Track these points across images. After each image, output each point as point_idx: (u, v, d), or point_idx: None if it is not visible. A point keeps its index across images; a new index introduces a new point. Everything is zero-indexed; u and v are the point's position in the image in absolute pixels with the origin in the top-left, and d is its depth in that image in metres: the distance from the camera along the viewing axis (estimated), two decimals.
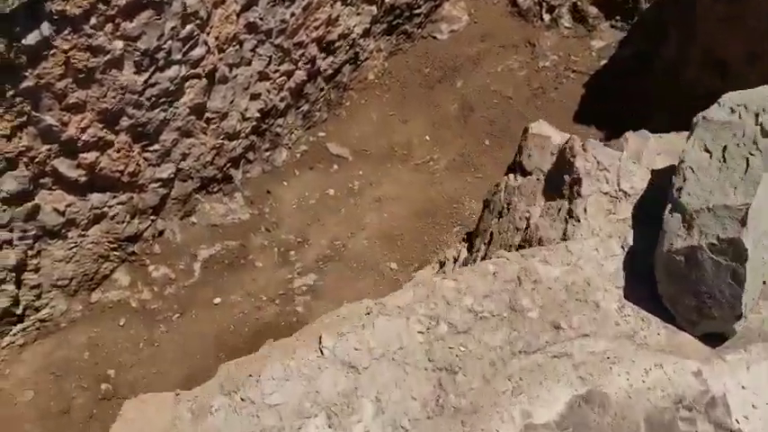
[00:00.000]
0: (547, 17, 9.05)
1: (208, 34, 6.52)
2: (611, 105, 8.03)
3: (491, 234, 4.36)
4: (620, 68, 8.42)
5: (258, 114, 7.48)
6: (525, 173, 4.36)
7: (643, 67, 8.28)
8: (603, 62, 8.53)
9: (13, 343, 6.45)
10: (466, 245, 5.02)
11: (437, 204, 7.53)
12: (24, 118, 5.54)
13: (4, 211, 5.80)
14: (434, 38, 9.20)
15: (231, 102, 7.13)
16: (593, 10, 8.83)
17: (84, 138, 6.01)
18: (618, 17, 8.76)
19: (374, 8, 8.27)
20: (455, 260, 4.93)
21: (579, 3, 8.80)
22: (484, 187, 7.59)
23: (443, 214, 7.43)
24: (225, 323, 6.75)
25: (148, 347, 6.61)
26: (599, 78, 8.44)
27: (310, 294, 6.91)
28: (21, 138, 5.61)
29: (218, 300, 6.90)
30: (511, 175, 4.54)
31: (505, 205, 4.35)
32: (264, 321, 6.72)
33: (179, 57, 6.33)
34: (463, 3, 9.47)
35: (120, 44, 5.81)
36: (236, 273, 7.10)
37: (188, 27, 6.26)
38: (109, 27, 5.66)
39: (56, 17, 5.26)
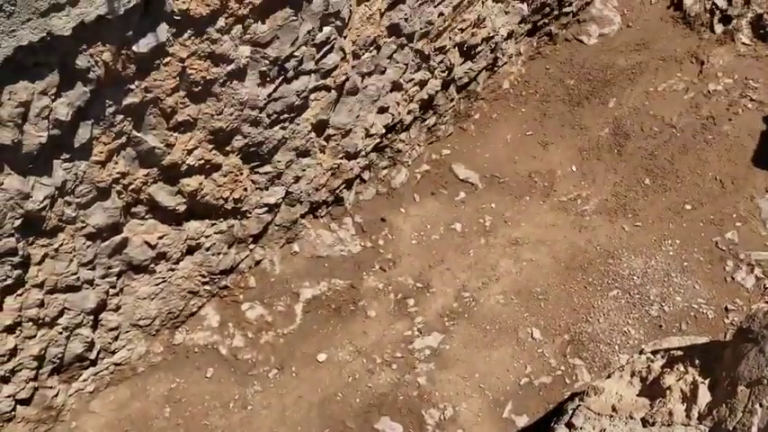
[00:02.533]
0: (719, 28, 7.54)
1: (345, 38, 5.22)
2: None
3: None
4: None
5: (383, 130, 6.21)
6: None
7: None
8: None
9: (83, 390, 5.41)
10: (699, 374, 3.75)
11: (588, 257, 6.24)
12: (123, 139, 4.35)
13: (88, 247, 4.66)
14: (580, 41, 7.77)
15: (357, 116, 5.86)
16: None
17: (189, 161, 4.82)
18: None
19: (525, 6, 6.87)
20: (684, 398, 3.68)
21: (766, 15, 7.27)
22: (644, 239, 6.31)
23: (596, 271, 6.15)
24: (331, 388, 5.62)
25: (240, 410, 5.52)
26: None
27: (434, 361, 5.72)
28: (117, 163, 4.44)
29: (322, 356, 5.75)
30: None
31: None
32: (379, 392, 5.57)
33: (311, 65, 5.06)
34: (615, 1, 7.98)
35: (246, 50, 4.55)
36: (345, 321, 5.94)
37: (326, 30, 4.97)
38: (237, 30, 4.39)
39: (177, 17, 4.01)
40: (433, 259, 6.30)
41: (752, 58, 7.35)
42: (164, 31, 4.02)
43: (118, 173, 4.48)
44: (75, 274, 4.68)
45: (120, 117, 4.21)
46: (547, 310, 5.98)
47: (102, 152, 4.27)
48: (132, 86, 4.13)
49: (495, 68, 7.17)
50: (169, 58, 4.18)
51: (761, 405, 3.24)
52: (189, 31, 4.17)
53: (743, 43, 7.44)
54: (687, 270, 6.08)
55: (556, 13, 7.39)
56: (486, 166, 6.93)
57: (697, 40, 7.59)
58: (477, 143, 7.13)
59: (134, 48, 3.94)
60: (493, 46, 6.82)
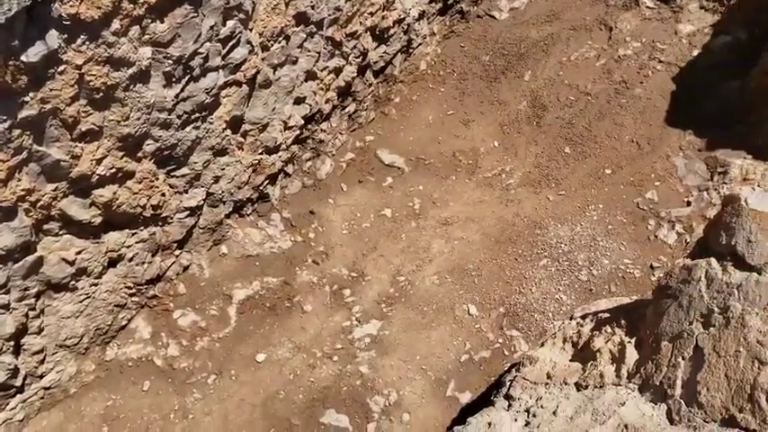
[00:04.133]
0: None
1: (251, 30, 5.10)
2: (709, 104, 6.83)
3: (697, 346, 3.19)
4: (716, 60, 7.17)
5: (302, 121, 6.12)
6: (745, 265, 3.17)
7: (741, 58, 7.05)
8: (696, 51, 7.26)
9: (11, 419, 5.17)
10: (626, 335, 3.83)
11: (516, 229, 6.32)
12: (24, 154, 4.14)
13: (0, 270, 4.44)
14: (492, 17, 7.82)
15: (273, 109, 5.75)
16: None
17: (99, 171, 4.64)
18: None
19: None
20: (614, 358, 3.76)
21: None
22: (569, 207, 6.43)
23: (525, 242, 6.23)
24: (273, 387, 5.54)
25: (181, 420, 5.38)
26: (692, 71, 7.18)
27: (375, 348, 5.71)
28: (20, 180, 4.22)
29: (261, 356, 5.66)
30: (713, 261, 3.35)
31: (717, 309, 3.17)
32: (322, 385, 5.52)
33: (218, 62, 4.93)
34: None
35: (147, 52, 4.39)
36: (281, 319, 5.86)
37: (230, 24, 4.84)
38: (135, 31, 4.22)
39: (66, 23, 3.82)
40: (366, 247, 6.27)
41: (657, 21, 7.54)
42: (54, 37, 3.83)
43: (22, 190, 4.26)
44: None
45: (17, 132, 4.00)
46: (481, 286, 6.03)
47: (1, 170, 4.05)
48: (27, 98, 3.92)
49: (411, 50, 7.15)
50: (64, 66, 3.99)
51: (683, 358, 3.33)
52: (82, 37, 3.98)
53: (647, 7, 7.62)
54: (612, 233, 6.23)
55: None
56: (410, 149, 6.93)
57: (604, 7, 7.73)
58: (399, 127, 7.11)
59: (23, 58, 3.74)
60: (405, 28, 6.79)
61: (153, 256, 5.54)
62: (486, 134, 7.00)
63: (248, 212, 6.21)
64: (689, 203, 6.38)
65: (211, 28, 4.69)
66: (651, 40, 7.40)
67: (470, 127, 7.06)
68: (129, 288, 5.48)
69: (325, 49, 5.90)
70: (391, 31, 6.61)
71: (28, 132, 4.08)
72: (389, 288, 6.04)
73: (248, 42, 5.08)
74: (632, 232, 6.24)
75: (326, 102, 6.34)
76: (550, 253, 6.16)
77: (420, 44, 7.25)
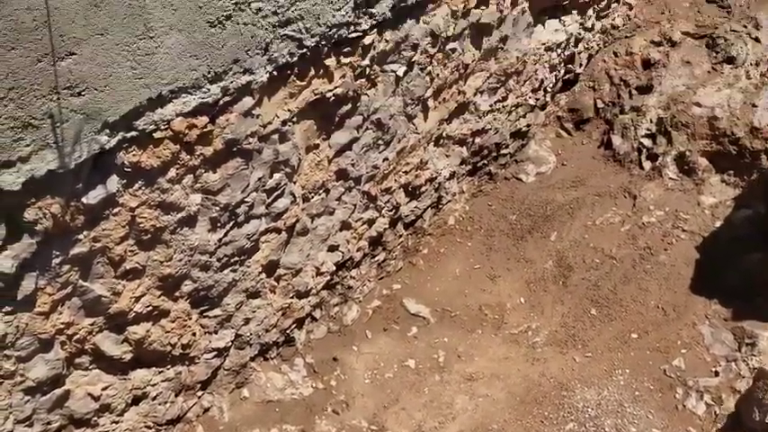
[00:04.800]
0: (647, 165, 8.06)
1: (295, 183, 5.42)
2: (731, 275, 6.91)
3: None
4: (738, 232, 7.35)
5: (333, 268, 6.30)
6: None
7: (762, 232, 7.23)
8: (718, 223, 7.47)
9: None
10: None
11: (542, 390, 6.23)
12: (69, 289, 4.31)
13: (27, 402, 4.46)
14: (519, 179, 8.18)
15: (307, 255, 5.95)
16: (703, 161, 7.84)
17: (136, 308, 4.77)
18: (731, 171, 7.76)
19: (464, 149, 7.27)
20: None
21: (688, 153, 7.82)
22: (596, 370, 6.36)
23: (551, 404, 6.12)
24: None
25: None
26: (714, 241, 7.34)
27: None
28: (61, 313, 4.36)
29: None
30: None
31: None
32: None
33: (261, 210, 5.20)
34: (550, 142, 8.52)
35: (197, 198, 4.67)
36: None
37: (276, 176, 5.16)
38: (188, 180, 4.52)
39: (128, 170, 4.13)
40: (388, 399, 6.20)
41: (680, 191, 7.81)
42: (114, 182, 4.11)
43: (62, 323, 4.39)
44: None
45: (66, 267, 4.19)
46: None
47: (46, 303, 4.20)
48: (80, 236, 4.15)
49: (440, 206, 7.45)
50: (119, 209, 4.25)
51: None
52: (139, 182, 4.27)
53: (670, 178, 7.93)
54: (639, 399, 6.12)
55: (494, 154, 7.82)
56: (436, 300, 7.02)
57: (628, 176, 8.07)
58: (426, 277, 7.26)
59: (83, 199, 4.00)
60: (436, 186, 7.13)
61: (176, 395, 5.53)
62: (513, 290, 7.11)
63: (273, 356, 6.24)
64: (717, 374, 6.30)
65: (259, 179, 5.00)
66: (674, 210, 7.63)
67: (497, 282, 7.18)
68: (149, 428, 5.43)
69: (360, 202, 6.19)
70: (423, 189, 6.94)
71: (76, 268, 4.27)
72: None
73: (291, 194, 5.37)
74: (660, 400, 6.12)
75: (358, 250, 6.54)
76: (577, 417, 6.04)
77: (449, 201, 7.56)
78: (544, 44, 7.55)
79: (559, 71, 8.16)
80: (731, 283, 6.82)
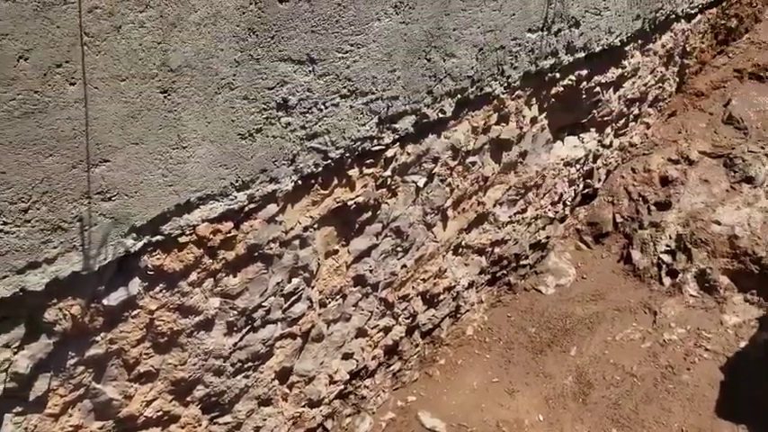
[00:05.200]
0: (667, 281, 8.00)
1: (312, 288, 5.44)
2: (758, 399, 6.68)
3: None
4: (763, 354, 7.17)
5: (347, 376, 6.20)
6: None
7: None
8: (743, 343, 7.30)
9: None
10: None
11: None
12: (81, 391, 4.27)
13: None
14: (539, 291, 8.15)
15: (321, 363, 5.88)
16: (725, 280, 7.77)
17: (146, 413, 4.69)
18: (754, 291, 7.67)
19: (483, 259, 7.29)
20: None
21: (709, 270, 7.77)
22: None
23: None
24: None
25: None
26: (739, 362, 7.15)
27: None
28: (71, 415, 4.30)
29: None
30: None
31: None
32: None
33: (278, 315, 5.19)
34: (569, 255, 8.54)
35: (216, 302, 4.69)
36: None
37: (294, 281, 5.19)
38: (208, 283, 4.56)
39: (150, 273, 4.18)
40: None
41: (701, 309, 7.70)
42: (136, 285, 4.16)
43: (71, 426, 4.31)
44: None
45: (80, 368, 4.17)
46: None
47: (57, 405, 4.15)
48: (98, 338, 4.15)
49: (459, 315, 7.39)
50: (138, 311, 4.27)
51: None
52: (161, 285, 4.31)
53: (691, 295, 7.85)
54: None
55: (513, 264, 7.83)
56: (452, 414, 6.83)
57: (648, 292, 8.00)
58: (443, 389, 7.10)
59: (104, 301, 4.04)
60: (455, 295, 7.10)
61: None
62: (531, 406, 6.91)
63: None
64: None
65: (278, 284, 5.02)
66: (696, 328, 7.50)
67: (515, 397, 6.99)
68: None
69: (377, 308, 6.17)
70: (441, 297, 6.91)
71: (90, 370, 4.24)
72: None
73: (308, 299, 5.38)
74: None
75: (373, 358, 6.45)
76: None
77: (468, 310, 7.50)
78: (563, 159, 7.71)
79: (578, 185, 8.29)
80: (759, 407, 6.58)
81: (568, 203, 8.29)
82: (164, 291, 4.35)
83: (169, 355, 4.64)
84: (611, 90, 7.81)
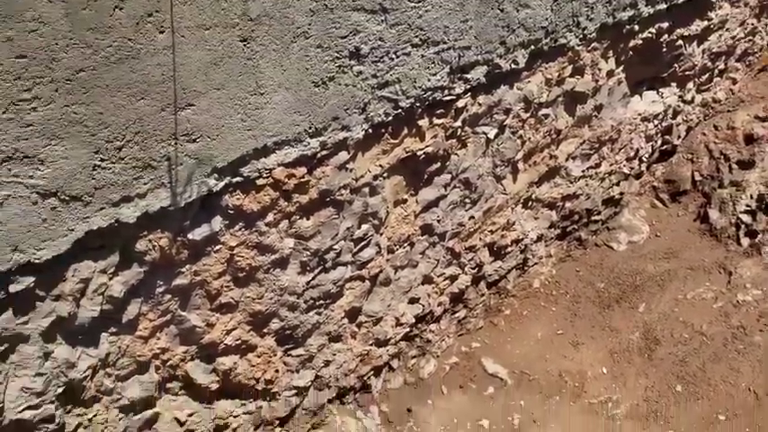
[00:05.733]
0: (746, 242, 7.81)
1: (381, 235, 5.67)
2: None
3: None
4: None
5: (413, 320, 6.45)
6: None
7: None
8: None
9: None
10: None
11: None
12: (168, 317, 4.68)
13: (120, 419, 4.83)
14: (610, 247, 8.12)
15: (388, 306, 6.15)
16: None
17: (226, 341, 5.09)
18: None
19: (554, 213, 7.33)
20: None
21: None
22: None
23: None
24: None
25: None
26: None
27: None
28: (159, 339, 4.74)
29: None
30: None
31: None
32: None
33: (348, 258, 5.46)
34: (644, 212, 8.43)
35: (290, 243, 4.99)
36: None
37: (364, 227, 5.43)
38: (284, 225, 4.86)
39: (231, 212, 4.50)
40: None
41: None
42: (218, 222, 4.49)
43: (159, 348, 4.75)
44: None
45: (167, 296, 4.57)
46: None
47: (147, 328, 4.58)
48: (183, 269, 4.53)
49: (526, 268, 7.49)
50: (219, 246, 4.61)
51: None
52: (240, 224, 4.63)
53: None
54: None
55: (585, 220, 7.82)
56: (515, 362, 7.00)
57: (724, 252, 7.84)
58: (507, 338, 7.26)
59: (189, 235, 4.39)
60: (522, 247, 7.20)
61: (255, 429, 5.77)
62: (595, 359, 6.99)
63: (349, 401, 6.40)
64: None
65: (348, 229, 5.28)
66: None
67: (579, 350, 7.09)
68: None
69: (444, 257, 6.36)
70: (508, 249, 7.02)
71: (176, 298, 4.64)
72: None
73: (377, 245, 5.61)
74: None
75: (439, 305, 6.67)
76: None
77: (536, 263, 7.59)
78: (640, 114, 7.57)
79: (656, 141, 8.12)
80: None
81: (645, 160, 8.15)
82: (243, 229, 4.67)
83: (247, 289, 4.99)
84: (695, 43, 7.56)
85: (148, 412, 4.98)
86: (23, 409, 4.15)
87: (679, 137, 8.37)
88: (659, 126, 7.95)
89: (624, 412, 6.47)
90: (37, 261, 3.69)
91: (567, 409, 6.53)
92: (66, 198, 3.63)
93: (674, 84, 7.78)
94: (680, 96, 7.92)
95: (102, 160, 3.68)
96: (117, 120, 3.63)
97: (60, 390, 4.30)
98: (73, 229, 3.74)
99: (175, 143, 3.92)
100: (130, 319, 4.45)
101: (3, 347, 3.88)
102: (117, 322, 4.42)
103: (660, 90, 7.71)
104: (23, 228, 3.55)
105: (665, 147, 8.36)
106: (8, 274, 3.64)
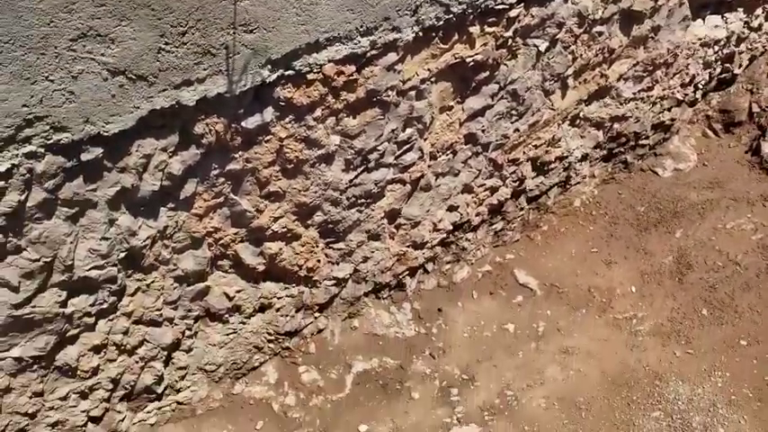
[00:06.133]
0: None
1: (425, 140, 5.89)
2: None
3: None
4: None
5: (450, 227, 6.74)
6: None
7: None
8: None
9: (145, 420, 5.93)
10: None
11: (635, 375, 6.36)
12: (221, 199, 5.08)
13: (175, 288, 5.33)
14: (655, 173, 8.14)
15: (427, 211, 6.43)
16: None
17: (274, 227, 5.48)
18: None
19: (601, 133, 7.38)
20: None
21: None
22: (694, 367, 6.37)
23: (642, 391, 6.24)
24: None
25: None
26: None
27: None
28: (212, 218, 5.15)
29: (363, 427, 6.08)
30: None
31: None
32: None
33: (391, 160, 5.73)
34: (694, 141, 8.38)
35: (336, 139, 5.27)
36: (390, 399, 6.28)
37: (408, 131, 5.65)
38: (330, 121, 5.13)
39: (282, 104, 4.78)
40: (482, 355, 6.59)
41: None
42: (269, 113, 4.78)
43: (212, 227, 5.18)
44: (160, 310, 5.33)
45: (221, 180, 4.94)
46: (587, 421, 6.09)
47: (201, 207, 4.99)
48: (236, 155, 4.87)
49: (568, 186, 7.62)
50: (270, 137, 4.93)
51: None
52: (290, 116, 4.92)
53: None
54: (734, 404, 6.08)
55: (632, 143, 7.84)
56: (547, 275, 7.26)
57: None
58: (542, 253, 7.50)
59: (243, 123, 4.71)
60: (566, 165, 7.32)
61: (296, 312, 6.25)
62: (626, 278, 7.19)
63: (384, 296, 6.81)
64: None
65: (392, 131, 5.51)
66: None
67: (611, 268, 7.29)
68: (270, 335, 6.20)
69: (486, 168, 6.55)
70: (552, 166, 7.16)
71: (229, 182, 5.01)
72: (495, 399, 6.27)
73: (420, 149, 5.85)
74: (757, 409, 6.05)
75: (477, 215, 6.92)
76: (665, 407, 6.12)
77: (578, 183, 7.71)
78: (700, 39, 7.42)
79: (715, 69, 7.97)
80: None
81: (701, 87, 8.03)
82: (292, 122, 4.96)
83: (294, 181, 5.33)
84: None
85: (200, 285, 5.48)
86: (90, 269, 4.67)
87: (740, 65, 8.18)
88: (720, 53, 7.78)
89: (647, 329, 6.71)
90: (105, 134, 4.08)
91: (591, 321, 6.81)
92: (133, 77, 3.97)
93: (740, 9, 7.55)
94: (746, 23, 7.69)
95: (166, 44, 3.97)
96: (181, 6, 3.89)
97: (123, 255, 4.79)
98: (138, 107, 4.09)
99: (234, 32, 4.17)
100: (187, 196, 4.86)
101: (74, 211, 4.34)
102: (175, 198, 4.83)
103: (725, 15, 7.50)
104: (95, 101, 3.91)
105: (724, 75, 8.19)
106: (80, 144, 4.04)
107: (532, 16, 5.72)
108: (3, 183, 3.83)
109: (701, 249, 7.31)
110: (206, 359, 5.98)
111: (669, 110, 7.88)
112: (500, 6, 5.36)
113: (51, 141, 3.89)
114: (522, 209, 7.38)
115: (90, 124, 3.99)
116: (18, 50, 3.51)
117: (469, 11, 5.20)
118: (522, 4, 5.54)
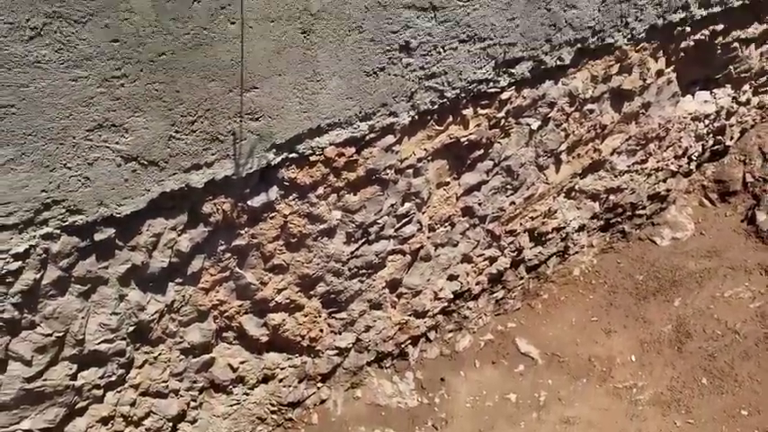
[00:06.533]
0: None
1: (423, 213, 6.13)
2: None
3: None
4: None
5: (451, 295, 6.90)
6: None
7: None
8: None
9: None
10: None
11: None
12: (227, 273, 5.29)
13: (181, 360, 5.50)
14: (653, 242, 8.32)
15: (428, 280, 6.62)
16: None
17: (277, 299, 5.68)
18: None
19: (597, 204, 7.60)
20: None
21: None
22: None
23: None
24: None
25: None
26: None
27: None
28: (218, 291, 5.36)
29: None
30: None
31: None
32: None
33: (390, 232, 5.95)
34: (691, 210, 8.58)
35: (338, 215, 5.51)
36: None
37: (406, 205, 5.90)
38: (332, 198, 5.39)
39: (286, 183, 5.05)
40: (484, 425, 6.64)
41: None
42: (274, 192, 5.05)
43: (217, 300, 5.38)
44: (166, 382, 5.48)
45: (227, 255, 5.18)
46: None
47: (208, 281, 5.21)
48: (242, 232, 5.12)
49: (566, 255, 7.80)
50: (275, 214, 5.18)
51: None
52: (294, 195, 5.18)
53: None
54: None
55: (629, 213, 8.04)
56: (548, 344, 7.36)
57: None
58: (542, 321, 7.62)
59: (249, 202, 4.97)
60: (564, 235, 7.51)
61: (299, 382, 6.37)
62: (626, 347, 7.27)
63: (387, 365, 6.93)
64: None
65: (392, 206, 5.76)
66: None
67: (611, 337, 7.38)
68: (273, 405, 6.31)
69: (484, 239, 6.76)
70: (549, 236, 7.36)
71: (235, 257, 5.24)
72: None
73: (419, 222, 6.08)
74: None
75: (477, 284, 7.09)
76: None
77: (577, 252, 7.88)
78: (691, 114, 7.72)
79: (707, 141, 8.24)
80: None
81: (694, 158, 8.28)
82: (296, 199, 5.22)
83: (298, 254, 5.56)
84: (753, 46, 7.62)
85: (206, 356, 5.64)
86: (100, 342, 4.86)
87: (732, 138, 8.45)
88: (711, 126, 8.07)
89: (647, 398, 6.75)
90: (118, 215, 4.34)
91: (592, 391, 6.87)
92: (145, 162, 4.25)
93: (728, 85, 7.87)
94: (734, 98, 8.00)
95: (176, 132, 4.27)
96: (191, 97, 4.21)
97: (132, 328, 4.98)
98: (149, 190, 4.36)
99: (240, 120, 4.48)
100: (194, 272, 5.08)
101: (86, 287, 4.56)
102: (183, 274, 5.05)
103: (713, 91, 7.82)
104: (108, 185, 4.19)
105: (716, 147, 8.46)
106: (94, 225, 4.29)
107: (524, 98, 6.03)
108: (20, 263, 4.06)
109: (699, 318, 7.41)
110: (210, 430, 6.08)
111: (664, 181, 8.11)
112: (492, 90, 5.68)
113: (67, 223, 4.15)
114: (521, 278, 7.54)
115: (104, 206, 4.25)
116: (39, 141, 3.80)
117: (462, 95, 5.51)
118: (514, 87, 5.85)
